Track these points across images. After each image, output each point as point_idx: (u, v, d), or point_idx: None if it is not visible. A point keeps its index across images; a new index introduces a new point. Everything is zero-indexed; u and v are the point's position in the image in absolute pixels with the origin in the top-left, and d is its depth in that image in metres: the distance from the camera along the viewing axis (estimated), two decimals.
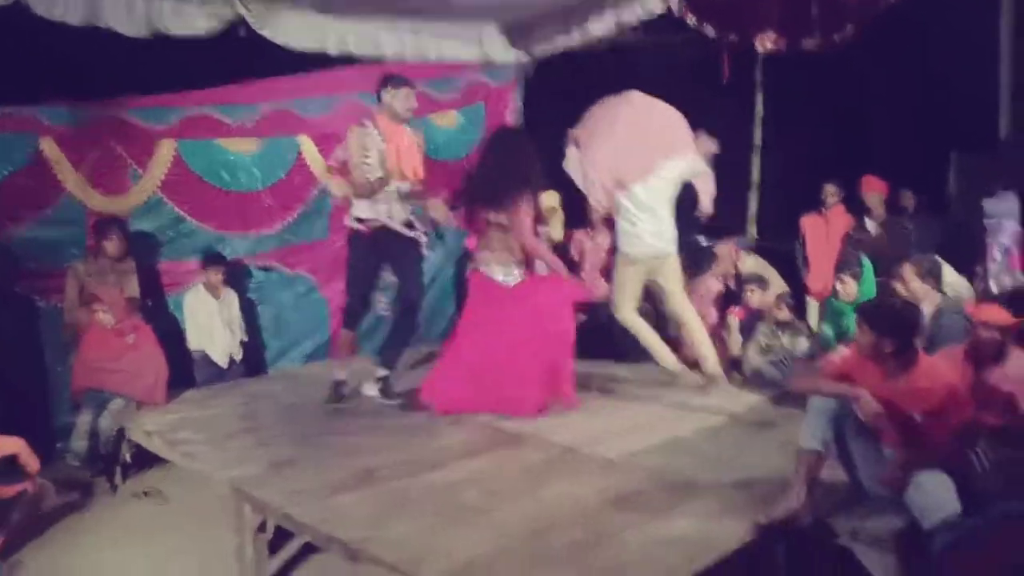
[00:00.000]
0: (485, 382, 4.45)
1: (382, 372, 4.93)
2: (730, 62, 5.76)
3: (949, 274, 4.54)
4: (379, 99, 4.71)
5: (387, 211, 4.71)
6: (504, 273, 4.62)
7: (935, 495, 2.90)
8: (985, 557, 2.46)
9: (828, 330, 4.99)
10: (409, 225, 4.79)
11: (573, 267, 6.65)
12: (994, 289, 4.53)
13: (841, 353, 3.44)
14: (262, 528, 3.58)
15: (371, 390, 4.92)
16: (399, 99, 4.66)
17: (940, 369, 3.21)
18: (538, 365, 4.47)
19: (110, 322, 4.97)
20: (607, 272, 6.75)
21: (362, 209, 4.70)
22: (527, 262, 4.74)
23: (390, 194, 4.69)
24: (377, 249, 4.77)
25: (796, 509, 3.01)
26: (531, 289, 4.62)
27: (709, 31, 5.20)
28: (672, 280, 4.96)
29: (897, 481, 3.04)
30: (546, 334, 4.46)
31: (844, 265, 5.06)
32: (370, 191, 4.63)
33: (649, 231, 4.83)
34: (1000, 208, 4.71)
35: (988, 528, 2.47)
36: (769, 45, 4.97)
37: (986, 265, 4.50)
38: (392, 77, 4.77)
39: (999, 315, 3.49)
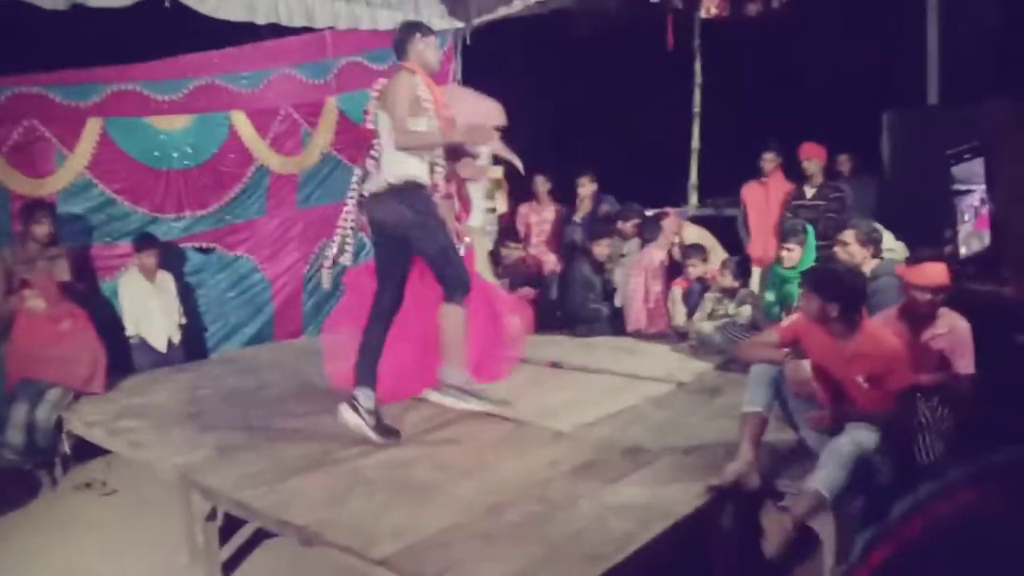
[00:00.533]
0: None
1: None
2: (673, 27, 5.77)
3: (889, 240, 4.65)
4: (402, 50, 4.06)
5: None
6: None
7: (833, 465, 2.99)
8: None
9: (771, 296, 5.07)
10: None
11: (519, 240, 6.66)
12: (963, 251, 4.65)
13: (791, 318, 3.51)
14: (212, 516, 3.51)
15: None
16: (432, 48, 4.11)
17: (884, 334, 3.30)
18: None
19: (42, 308, 4.79)
20: (554, 244, 6.79)
21: (416, 167, 3.95)
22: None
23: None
24: None
25: (743, 472, 3.08)
26: None
27: None
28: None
29: (822, 421, 3.17)
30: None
31: (789, 232, 5.09)
32: (429, 145, 4.00)
33: None
34: (967, 173, 4.82)
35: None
36: (713, 10, 4.99)
37: (956, 228, 4.60)
38: (420, 24, 4.23)
39: (931, 276, 3.58)
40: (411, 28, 4.14)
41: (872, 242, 4.34)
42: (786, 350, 3.28)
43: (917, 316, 3.62)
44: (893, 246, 4.75)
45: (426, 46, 4.07)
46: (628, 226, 6.21)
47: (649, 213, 6.43)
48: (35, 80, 5.27)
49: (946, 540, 0.79)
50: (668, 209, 6.70)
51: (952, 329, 3.59)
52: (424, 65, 4.06)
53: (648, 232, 6.09)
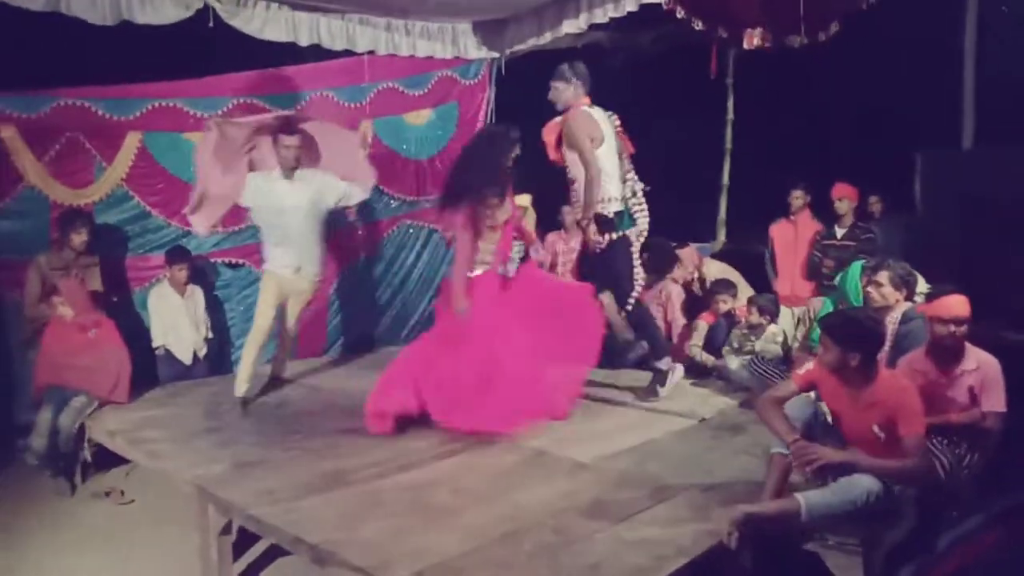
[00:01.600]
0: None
1: None
2: (717, 57, 5.79)
3: (923, 284, 4.56)
4: (564, 82, 4.65)
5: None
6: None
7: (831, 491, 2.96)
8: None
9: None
10: None
11: (544, 268, 6.65)
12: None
13: (808, 364, 3.45)
14: (227, 530, 3.51)
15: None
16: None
17: (899, 380, 3.23)
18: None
19: (69, 315, 4.85)
20: (578, 274, 6.77)
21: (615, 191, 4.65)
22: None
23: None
24: None
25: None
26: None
27: (698, 25, 5.20)
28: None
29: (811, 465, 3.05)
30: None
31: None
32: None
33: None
34: None
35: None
36: (756, 41, 4.99)
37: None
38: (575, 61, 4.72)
39: (950, 307, 3.53)
40: (573, 66, 4.68)
41: (906, 284, 4.27)
42: (796, 436, 3.14)
43: (944, 353, 3.56)
44: (924, 289, 4.66)
45: (585, 81, 4.67)
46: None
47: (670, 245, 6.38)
48: (79, 93, 5.41)
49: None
50: (688, 243, 6.66)
51: (982, 366, 3.54)
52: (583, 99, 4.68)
53: (656, 263, 6.01)
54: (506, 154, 4.52)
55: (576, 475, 3.65)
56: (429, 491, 3.43)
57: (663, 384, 4.80)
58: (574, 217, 5.23)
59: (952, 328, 3.52)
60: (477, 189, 4.42)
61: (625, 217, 4.72)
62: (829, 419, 3.52)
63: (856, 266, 4.79)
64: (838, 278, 5.01)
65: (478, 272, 4.51)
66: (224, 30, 5.43)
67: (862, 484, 2.96)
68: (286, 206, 4.87)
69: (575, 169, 4.64)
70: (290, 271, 4.98)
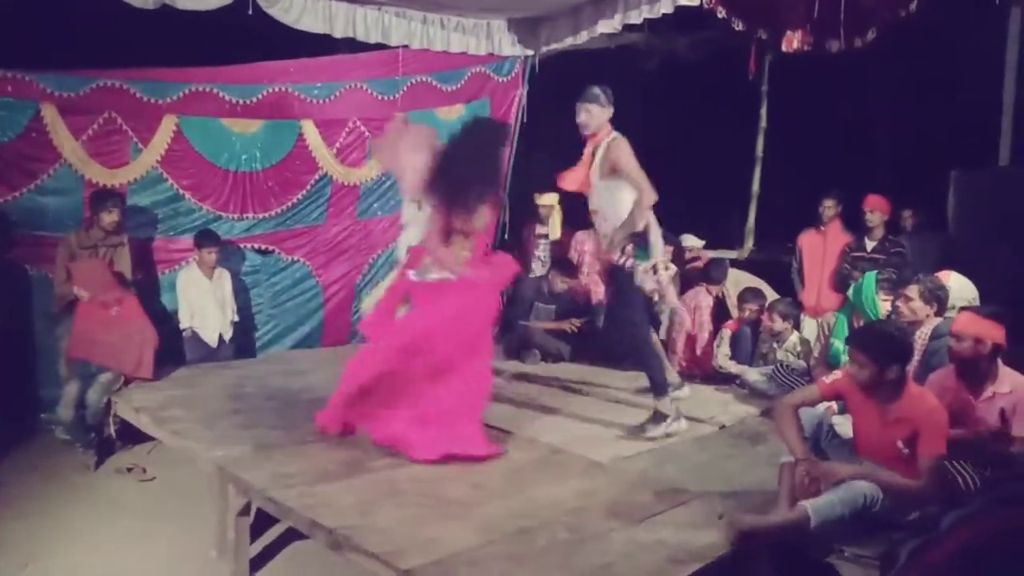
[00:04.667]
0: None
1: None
2: (757, 58, 5.75)
3: (968, 290, 4.46)
4: (600, 106, 4.34)
5: None
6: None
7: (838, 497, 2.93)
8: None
9: (839, 344, 4.78)
10: None
11: (571, 267, 6.66)
12: None
13: (835, 374, 3.41)
14: (245, 511, 3.55)
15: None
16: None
17: (927, 396, 3.19)
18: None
19: (84, 296, 4.91)
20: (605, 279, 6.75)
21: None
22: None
23: None
24: None
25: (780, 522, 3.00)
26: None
27: (738, 25, 5.17)
28: None
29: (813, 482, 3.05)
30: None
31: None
32: None
33: None
34: None
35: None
36: (796, 44, 4.95)
37: None
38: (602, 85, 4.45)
39: (961, 322, 3.46)
40: (607, 92, 4.37)
41: (936, 299, 4.20)
42: (808, 455, 3.13)
43: (966, 371, 3.48)
44: (972, 296, 4.55)
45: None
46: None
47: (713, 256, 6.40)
48: (119, 75, 5.48)
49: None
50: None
51: (1016, 389, 3.43)
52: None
53: (713, 273, 6.03)
54: (500, 153, 4.29)
55: (593, 475, 3.65)
56: (446, 483, 3.45)
57: (656, 426, 4.30)
58: (608, 244, 4.76)
59: (964, 344, 3.42)
60: (467, 184, 3.91)
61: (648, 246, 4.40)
62: (836, 430, 3.49)
63: (869, 277, 4.72)
64: (851, 291, 4.92)
65: (434, 277, 3.91)
66: (262, 18, 5.48)
67: (860, 487, 2.96)
68: None
69: (605, 196, 4.33)
70: None
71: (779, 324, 5.21)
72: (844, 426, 3.58)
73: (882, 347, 3.12)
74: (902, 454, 3.09)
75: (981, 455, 3.40)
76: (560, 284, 6.44)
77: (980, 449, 3.38)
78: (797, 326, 5.28)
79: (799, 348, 5.17)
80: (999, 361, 3.47)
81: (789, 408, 3.30)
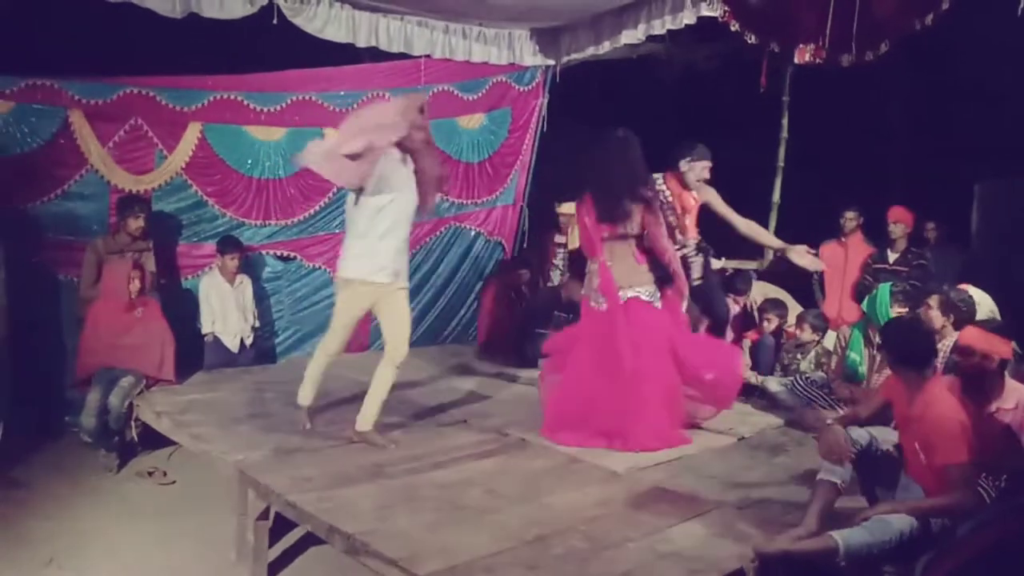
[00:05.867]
0: (597, 417, 4.22)
1: None
2: (773, 73, 5.74)
3: (987, 304, 4.42)
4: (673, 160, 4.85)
5: None
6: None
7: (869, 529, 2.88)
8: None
9: (856, 356, 4.79)
10: None
11: None
12: None
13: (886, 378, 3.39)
14: (264, 515, 3.57)
15: None
16: (695, 171, 4.89)
17: (943, 398, 3.09)
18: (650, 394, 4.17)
19: (125, 295, 4.95)
20: None
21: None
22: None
23: None
24: None
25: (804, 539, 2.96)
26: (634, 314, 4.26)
27: (751, 38, 5.17)
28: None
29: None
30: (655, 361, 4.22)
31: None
32: None
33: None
34: None
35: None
36: (808, 57, 4.94)
37: None
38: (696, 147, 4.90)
39: (981, 341, 3.40)
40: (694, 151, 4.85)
41: (954, 310, 4.16)
42: (844, 480, 3.10)
43: (968, 384, 3.40)
44: (988, 310, 4.50)
45: (690, 168, 4.84)
46: None
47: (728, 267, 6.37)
48: (145, 82, 5.56)
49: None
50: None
51: (1022, 405, 3.41)
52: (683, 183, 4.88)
53: (738, 285, 6.03)
54: (640, 156, 4.42)
55: (610, 484, 3.65)
56: (463, 490, 3.46)
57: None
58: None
59: (972, 359, 3.37)
60: (619, 192, 4.25)
61: None
62: (884, 447, 3.44)
63: (884, 288, 4.69)
64: (865, 303, 4.86)
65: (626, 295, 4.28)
66: (287, 27, 5.55)
67: (895, 525, 2.88)
68: None
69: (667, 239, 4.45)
70: None
71: (808, 335, 5.18)
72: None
73: (895, 344, 3.15)
74: (920, 460, 3.04)
75: (997, 466, 3.35)
76: (577, 293, 6.43)
77: (996, 462, 3.34)
78: (824, 336, 5.26)
79: (821, 359, 5.13)
80: (1006, 376, 3.44)
81: (843, 421, 3.30)
